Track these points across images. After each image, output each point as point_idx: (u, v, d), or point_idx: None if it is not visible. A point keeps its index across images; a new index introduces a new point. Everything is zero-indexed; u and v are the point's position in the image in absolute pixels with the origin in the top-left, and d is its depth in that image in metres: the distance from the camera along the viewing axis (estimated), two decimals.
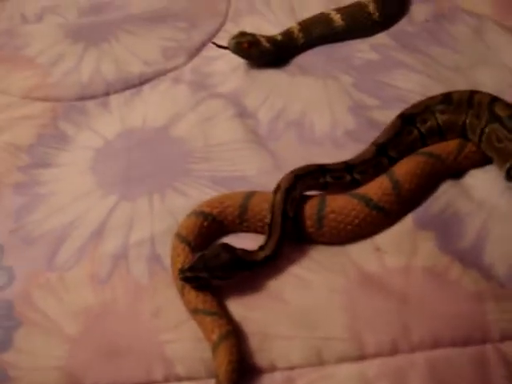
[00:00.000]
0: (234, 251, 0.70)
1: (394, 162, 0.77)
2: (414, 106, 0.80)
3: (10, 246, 0.79)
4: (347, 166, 0.76)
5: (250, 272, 0.70)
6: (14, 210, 0.84)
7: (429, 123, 0.79)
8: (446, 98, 0.80)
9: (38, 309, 0.72)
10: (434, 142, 0.79)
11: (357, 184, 0.76)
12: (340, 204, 0.73)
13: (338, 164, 0.76)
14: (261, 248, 0.71)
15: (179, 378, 0.65)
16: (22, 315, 0.72)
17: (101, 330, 0.69)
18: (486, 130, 0.76)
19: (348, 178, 0.76)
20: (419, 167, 0.75)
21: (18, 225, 0.82)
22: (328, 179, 0.75)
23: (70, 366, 0.67)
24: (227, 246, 0.71)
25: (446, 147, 0.78)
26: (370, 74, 0.94)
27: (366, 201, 0.73)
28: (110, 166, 0.88)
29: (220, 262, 0.69)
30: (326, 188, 0.76)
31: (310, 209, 0.73)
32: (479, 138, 0.77)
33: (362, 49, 0.99)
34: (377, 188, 0.74)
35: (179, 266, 0.71)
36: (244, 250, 0.71)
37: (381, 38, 1.01)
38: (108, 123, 0.95)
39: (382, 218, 0.73)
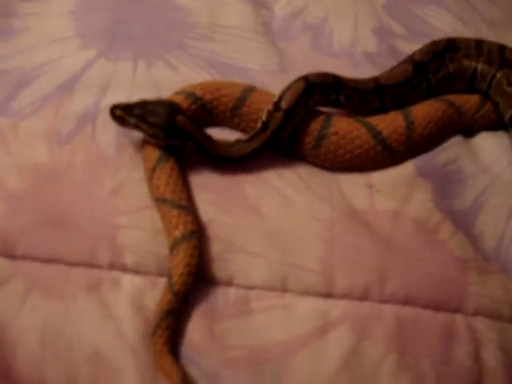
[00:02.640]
0: (187, 124, 0.58)
1: (431, 89, 0.67)
2: (423, 52, 0.69)
3: None
4: (378, 87, 0.65)
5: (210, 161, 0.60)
6: None
7: (440, 72, 0.68)
8: (451, 44, 0.70)
9: None
10: (441, 91, 0.69)
11: (384, 111, 0.65)
12: (346, 127, 0.62)
13: (364, 82, 0.65)
14: (248, 140, 0.60)
15: (125, 269, 0.54)
16: None
17: (48, 193, 0.57)
18: (498, 75, 0.68)
19: (376, 103, 0.65)
20: (437, 114, 0.65)
21: None
22: (341, 97, 0.63)
23: (4, 226, 0.55)
24: (177, 111, 0.59)
25: (468, 100, 0.68)
26: (404, 2, 0.82)
27: (375, 133, 0.63)
28: (96, 16, 0.73)
29: (156, 120, 0.58)
30: (339, 105, 0.65)
31: (313, 124, 0.62)
32: (488, 85, 0.68)
33: None
34: (389, 123, 0.64)
35: (151, 147, 0.59)
36: (215, 141, 0.60)
37: None
38: None
39: (385, 155, 0.63)
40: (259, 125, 0.61)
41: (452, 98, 0.68)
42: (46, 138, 0.60)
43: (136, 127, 0.59)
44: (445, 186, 0.64)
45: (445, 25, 0.80)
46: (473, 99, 0.69)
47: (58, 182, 0.58)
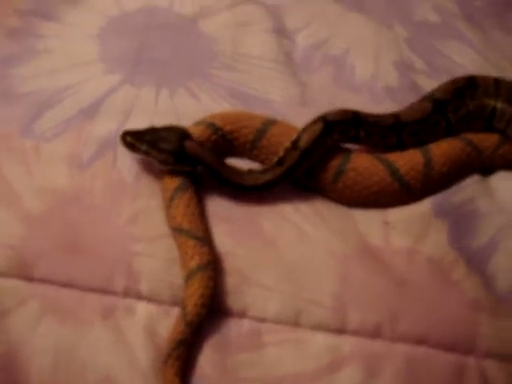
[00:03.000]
0: (195, 149, 0.59)
1: (450, 128, 0.67)
2: (443, 90, 0.69)
3: None
4: (397, 124, 0.65)
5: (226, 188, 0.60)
6: (1, 56, 0.69)
7: (461, 111, 0.68)
8: (471, 82, 0.70)
9: (2, 175, 0.59)
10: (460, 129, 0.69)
11: (402, 147, 0.65)
12: (364, 164, 0.62)
13: (383, 117, 0.65)
14: (263, 171, 0.61)
15: (140, 296, 0.55)
16: None
17: (66, 217, 0.58)
18: None
19: (394, 139, 0.65)
20: (456, 153, 0.65)
21: (1, 73, 0.67)
22: (361, 133, 0.64)
23: (22, 249, 0.55)
24: (185, 137, 0.60)
25: (486, 139, 0.68)
26: (426, 36, 0.82)
27: (393, 170, 0.63)
28: (121, 41, 0.74)
29: (166, 146, 0.59)
30: (358, 141, 0.65)
31: (332, 159, 0.62)
32: (507, 124, 0.68)
33: (424, 6, 0.87)
34: (407, 160, 0.64)
35: (172, 176, 0.60)
36: (230, 167, 0.60)
37: (446, 0, 0.89)
38: None
39: (403, 192, 0.63)
40: (275, 159, 0.62)
41: (470, 136, 0.68)
42: (67, 161, 0.61)
43: (146, 153, 0.60)
44: (460, 225, 0.63)
45: (466, 61, 0.80)
46: (491, 138, 0.69)
47: (77, 207, 0.59)
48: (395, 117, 0.65)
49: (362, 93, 0.73)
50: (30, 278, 0.55)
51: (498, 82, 0.70)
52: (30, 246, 0.56)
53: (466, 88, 0.69)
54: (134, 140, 0.60)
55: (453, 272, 0.60)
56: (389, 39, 0.80)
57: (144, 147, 0.59)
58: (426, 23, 0.84)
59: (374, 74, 0.76)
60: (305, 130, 0.62)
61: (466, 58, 0.81)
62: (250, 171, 0.61)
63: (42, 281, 0.55)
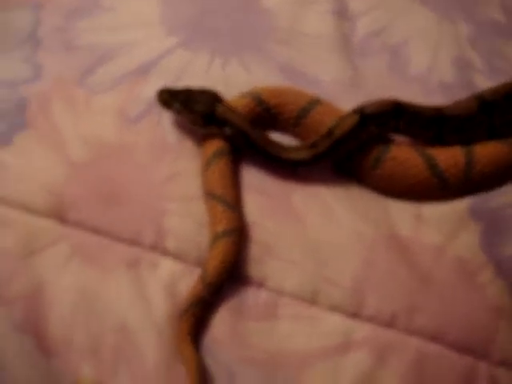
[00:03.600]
0: (226, 113, 0.61)
1: (494, 130, 0.65)
2: (494, 91, 0.66)
3: (47, 44, 0.69)
4: (438, 117, 0.63)
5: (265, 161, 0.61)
6: (66, 8, 0.72)
7: (508, 116, 0.66)
8: None
9: (52, 120, 0.62)
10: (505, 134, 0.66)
11: (441, 141, 0.64)
12: (404, 155, 0.62)
13: (426, 109, 0.63)
14: (292, 148, 0.61)
15: (165, 252, 0.57)
16: (33, 119, 0.62)
17: (107, 168, 0.60)
18: None
19: (434, 131, 0.63)
20: (501, 156, 0.63)
21: (65, 24, 0.70)
22: (401, 123, 0.62)
23: (62, 191, 0.58)
24: (218, 100, 0.62)
25: None
26: (490, 35, 0.79)
27: (432, 164, 0.62)
28: (183, 6, 0.75)
29: (197, 108, 0.61)
30: (398, 131, 0.63)
31: (372, 147, 0.62)
32: None
33: (491, 4, 0.84)
34: (449, 156, 0.62)
35: (212, 142, 0.61)
36: (264, 136, 0.61)
37: None
38: None
39: (439, 188, 0.62)
40: (310, 142, 0.62)
41: None
42: (114, 115, 0.64)
43: (178, 112, 0.62)
44: (496, 229, 0.62)
45: None
46: None
47: (119, 160, 0.61)
48: (438, 110, 0.64)
49: (414, 84, 0.71)
50: (64, 221, 0.58)
51: None
52: (68, 191, 0.59)
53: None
54: (169, 98, 0.62)
55: (479, 275, 0.59)
56: (450, 34, 0.78)
57: (177, 105, 0.62)
58: (491, 22, 0.81)
59: (430, 68, 0.74)
60: (342, 119, 0.61)
61: None
62: (282, 145, 0.62)
63: (76, 225, 0.58)
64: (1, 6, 0.73)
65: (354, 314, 0.56)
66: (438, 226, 0.62)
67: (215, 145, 0.61)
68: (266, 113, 0.64)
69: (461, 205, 0.63)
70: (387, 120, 0.62)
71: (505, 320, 0.57)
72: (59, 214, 0.58)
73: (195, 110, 0.62)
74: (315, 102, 0.64)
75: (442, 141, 0.64)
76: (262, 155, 0.62)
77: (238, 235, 0.57)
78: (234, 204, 0.58)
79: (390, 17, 0.78)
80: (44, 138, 0.61)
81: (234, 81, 0.68)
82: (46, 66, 0.66)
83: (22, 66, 0.67)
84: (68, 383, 0.53)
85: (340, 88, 0.70)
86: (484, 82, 0.72)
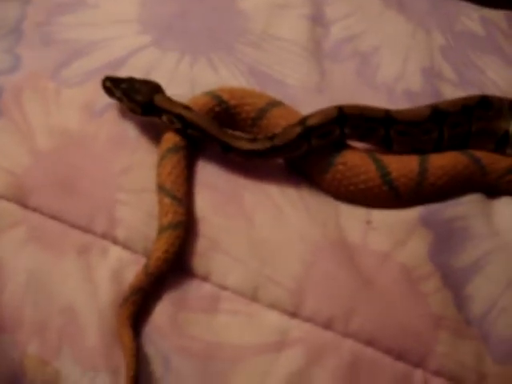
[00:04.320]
0: (163, 102, 0.63)
1: (441, 141, 0.65)
2: (451, 103, 0.67)
3: (29, 37, 0.72)
4: (387, 118, 0.64)
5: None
6: (52, 4, 0.76)
7: (459, 128, 0.66)
8: (484, 102, 0.67)
9: (23, 110, 0.66)
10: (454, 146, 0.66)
11: (388, 143, 0.65)
12: (355, 160, 0.63)
13: (374, 110, 0.64)
14: (253, 139, 0.62)
15: (115, 241, 0.59)
16: (6, 107, 0.66)
17: (68, 157, 0.63)
18: None
19: (381, 133, 0.64)
20: (457, 168, 0.64)
21: (48, 19, 0.74)
22: (347, 130, 0.63)
23: (25, 177, 0.61)
24: (157, 91, 0.64)
25: (497, 161, 0.65)
26: (464, 47, 0.80)
27: (384, 172, 0.62)
28: (161, 6, 0.78)
29: (136, 97, 0.64)
30: (344, 139, 0.64)
31: (324, 150, 0.63)
32: None
33: (470, 15, 0.85)
34: (401, 165, 0.63)
35: (169, 135, 0.63)
36: (226, 132, 0.63)
37: (496, 14, 0.86)
38: None
39: (390, 196, 0.63)
40: (251, 136, 0.64)
41: (481, 155, 0.66)
42: (81, 108, 0.66)
43: (119, 99, 0.66)
44: (446, 240, 0.62)
45: (500, 78, 0.77)
46: (504, 162, 0.66)
47: (80, 150, 0.64)
48: (387, 112, 0.64)
49: (381, 92, 0.72)
50: (24, 205, 0.61)
51: None
52: (30, 177, 0.62)
53: (477, 107, 0.66)
54: (112, 85, 0.65)
55: (423, 284, 0.59)
56: (423, 43, 0.79)
57: (118, 93, 0.65)
58: (468, 34, 0.82)
59: (398, 76, 0.75)
60: (286, 128, 0.62)
61: (500, 75, 0.78)
62: (228, 132, 0.63)
63: (34, 210, 0.60)
64: None
65: (293, 314, 0.57)
66: (387, 233, 0.62)
67: (171, 140, 0.63)
68: (225, 112, 0.66)
69: (412, 213, 0.64)
70: (331, 129, 0.63)
71: (446, 330, 0.57)
72: (20, 199, 0.61)
73: (135, 99, 0.64)
74: (273, 104, 0.65)
75: (388, 143, 0.65)
76: (205, 138, 0.64)
77: (183, 229, 0.59)
78: (182, 198, 0.60)
79: (365, 24, 0.80)
80: (14, 126, 0.64)
81: (201, 80, 0.70)
82: (24, 58, 0.70)
83: (2, 57, 0.70)
84: (16, 360, 0.56)
85: (305, 92, 0.71)
86: (452, 93, 0.73)
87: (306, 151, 0.63)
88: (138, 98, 0.64)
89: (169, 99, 0.65)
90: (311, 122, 0.63)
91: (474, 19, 0.85)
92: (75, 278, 0.58)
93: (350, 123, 0.63)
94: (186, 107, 0.64)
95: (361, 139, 0.65)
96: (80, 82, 0.68)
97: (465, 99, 0.67)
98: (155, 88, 0.65)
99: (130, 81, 0.66)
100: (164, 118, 0.64)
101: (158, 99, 0.64)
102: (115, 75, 0.67)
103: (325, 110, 0.63)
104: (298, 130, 0.62)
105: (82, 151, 0.63)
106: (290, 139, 0.62)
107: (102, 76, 0.68)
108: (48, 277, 0.58)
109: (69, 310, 0.56)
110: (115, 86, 0.65)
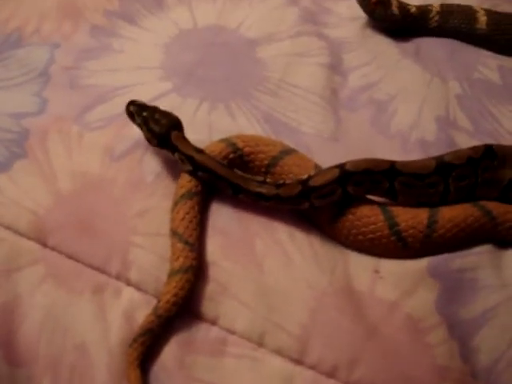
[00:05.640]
0: (179, 140, 0.66)
1: (447, 194, 0.67)
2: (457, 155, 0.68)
3: (56, 81, 0.77)
4: (391, 170, 0.65)
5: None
6: (79, 49, 0.81)
7: (465, 181, 0.67)
8: (489, 152, 0.68)
9: (47, 152, 0.70)
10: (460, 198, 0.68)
11: (393, 195, 0.67)
12: (364, 210, 0.65)
13: (378, 162, 0.66)
14: (258, 181, 0.65)
15: (128, 282, 0.62)
16: (31, 149, 0.70)
17: (87, 200, 0.67)
18: None
19: (385, 185, 0.65)
20: (467, 220, 0.65)
21: (74, 64, 0.79)
22: (350, 188, 0.65)
23: (45, 217, 0.66)
24: (176, 127, 0.67)
25: (508, 212, 0.67)
26: (481, 95, 0.81)
27: (392, 224, 0.64)
28: (183, 53, 0.82)
29: (155, 128, 0.67)
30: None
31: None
32: None
33: (488, 64, 0.86)
34: (410, 217, 0.65)
35: (183, 181, 0.67)
36: (235, 172, 0.65)
37: None
38: (207, 9, 0.89)
39: (398, 247, 0.65)
40: (279, 181, 0.66)
41: (491, 206, 0.67)
42: (101, 152, 0.70)
43: (139, 126, 0.69)
44: (454, 291, 0.64)
45: None
46: None
47: (98, 193, 0.68)
48: (391, 163, 0.66)
49: (395, 140, 0.75)
50: (43, 244, 0.65)
51: None
52: (51, 217, 0.66)
53: (482, 158, 0.68)
54: (135, 111, 0.69)
55: (429, 335, 0.61)
56: (439, 92, 0.80)
57: (139, 120, 0.69)
58: (485, 82, 0.83)
59: (413, 124, 0.77)
60: (288, 185, 0.64)
61: None
62: (244, 175, 0.66)
63: (53, 248, 0.64)
64: (24, 42, 0.83)
65: (297, 361, 0.59)
66: (394, 282, 0.64)
67: (185, 186, 0.66)
68: (240, 159, 0.69)
69: (420, 263, 0.65)
70: (333, 189, 0.65)
71: (451, 382, 0.59)
72: (40, 238, 0.65)
73: (152, 129, 0.68)
74: (286, 152, 0.68)
75: (393, 194, 0.67)
76: (216, 181, 0.66)
77: (193, 273, 0.62)
78: (194, 243, 0.63)
79: (382, 73, 0.83)
80: (38, 167, 0.69)
81: (218, 126, 0.73)
82: (50, 101, 0.75)
83: (31, 100, 0.76)
84: None
85: (320, 141, 0.74)
86: (467, 142, 0.74)
87: (309, 207, 0.66)
88: (155, 129, 0.67)
89: (184, 139, 0.68)
90: (312, 182, 0.65)
91: (492, 68, 0.86)
92: (89, 317, 0.61)
93: (352, 181, 0.65)
94: (199, 150, 0.67)
95: (365, 193, 0.67)
96: (102, 127, 0.73)
97: (470, 150, 0.69)
98: (175, 123, 0.68)
99: (153, 110, 0.69)
100: (176, 155, 0.67)
101: (174, 136, 0.67)
102: (140, 101, 0.70)
103: (327, 171, 0.65)
104: (298, 188, 0.65)
105: (100, 194, 0.68)
106: (291, 195, 0.65)
107: (122, 120, 0.72)
108: (63, 314, 0.61)
109: (81, 347, 0.60)
110: (137, 113, 0.69)
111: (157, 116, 0.68)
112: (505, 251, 0.67)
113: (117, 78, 0.78)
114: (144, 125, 0.68)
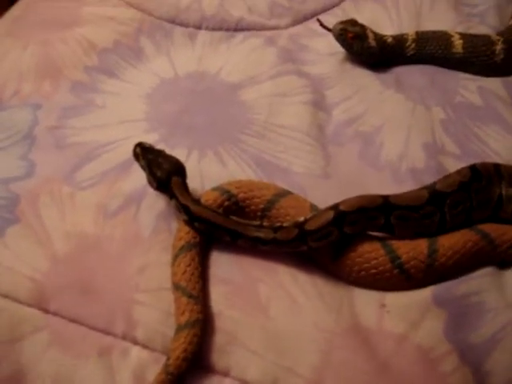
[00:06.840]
0: (177, 186, 0.67)
1: (444, 223, 0.68)
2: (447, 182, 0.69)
3: (41, 142, 0.78)
4: (385, 205, 0.67)
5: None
6: (62, 107, 0.82)
7: (460, 206, 0.69)
8: (475, 174, 0.70)
9: (39, 215, 0.71)
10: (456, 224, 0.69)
11: (390, 230, 0.68)
12: (365, 246, 0.66)
13: (372, 198, 0.67)
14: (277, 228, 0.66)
15: (135, 342, 0.63)
16: (23, 214, 0.71)
17: (85, 260, 0.68)
18: None
19: (382, 220, 0.67)
20: (466, 246, 0.67)
21: (58, 123, 0.80)
22: (346, 228, 0.66)
23: (44, 283, 0.66)
24: (177, 173, 0.68)
25: (506, 233, 0.69)
26: (464, 119, 0.84)
27: (393, 257, 0.66)
28: (167, 103, 0.84)
29: (156, 172, 0.68)
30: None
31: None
32: None
33: (468, 87, 0.89)
34: (410, 248, 0.66)
35: (181, 233, 0.68)
36: (231, 219, 0.66)
37: (493, 83, 0.89)
38: (186, 57, 0.90)
39: (402, 280, 0.66)
40: (275, 225, 0.67)
41: (489, 229, 0.69)
42: (95, 210, 0.71)
43: (142, 168, 0.71)
44: (461, 317, 0.65)
45: (504, 149, 0.80)
46: (511, 232, 0.69)
47: (95, 252, 0.68)
48: (385, 198, 0.68)
49: (385, 172, 0.76)
50: (45, 310, 0.65)
51: (497, 168, 0.71)
52: (49, 281, 0.66)
53: (472, 181, 0.69)
54: (141, 153, 0.71)
55: (442, 363, 0.62)
56: (423, 120, 0.83)
57: (143, 162, 0.70)
58: (467, 105, 0.86)
59: (401, 154, 0.79)
60: (285, 229, 0.65)
61: (502, 145, 0.80)
62: (240, 220, 0.67)
63: (55, 314, 0.65)
64: (4, 104, 0.84)
65: None
66: (401, 315, 0.65)
67: (184, 238, 0.67)
68: (235, 206, 0.70)
69: (425, 293, 0.67)
70: (330, 231, 0.66)
71: None
72: (41, 304, 0.65)
73: (153, 173, 0.69)
74: (281, 195, 0.70)
75: (390, 229, 0.68)
76: (213, 230, 0.67)
77: (200, 327, 0.62)
78: (198, 296, 0.64)
79: (365, 105, 0.85)
80: (31, 232, 0.69)
81: (209, 174, 0.75)
82: (38, 163, 0.76)
83: (18, 163, 0.76)
84: None
85: (312, 179, 0.75)
86: (455, 166, 0.75)
87: (308, 250, 0.67)
88: (156, 173, 0.69)
89: (183, 187, 0.69)
90: (308, 226, 0.66)
91: (472, 90, 0.88)
92: (98, 380, 0.61)
93: (348, 221, 0.66)
94: (195, 200, 0.68)
95: (362, 231, 0.68)
96: (93, 185, 0.73)
97: (458, 175, 0.70)
98: (178, 169, 0.70)
99: (158, 153, 0.71)
100: (172, 202, 0.69)
101: (174, 182, 0.68)
102: (148, 144, 0.72)
103: (322, 213, 0.66)
104: (295, 232, 0.66)
105: (98, 253, 0.68)
106: (288, 239, 0.66)
107: (113, 176, 0.74)
108: (71, 380, 0.61)
109: None
110: (142, 155, 0.70)
111: (160, 160, 0.70)
112: (505, 272, 0.69)
113: (103, 133, 0.79)
114: (147, 167, 0.70)
